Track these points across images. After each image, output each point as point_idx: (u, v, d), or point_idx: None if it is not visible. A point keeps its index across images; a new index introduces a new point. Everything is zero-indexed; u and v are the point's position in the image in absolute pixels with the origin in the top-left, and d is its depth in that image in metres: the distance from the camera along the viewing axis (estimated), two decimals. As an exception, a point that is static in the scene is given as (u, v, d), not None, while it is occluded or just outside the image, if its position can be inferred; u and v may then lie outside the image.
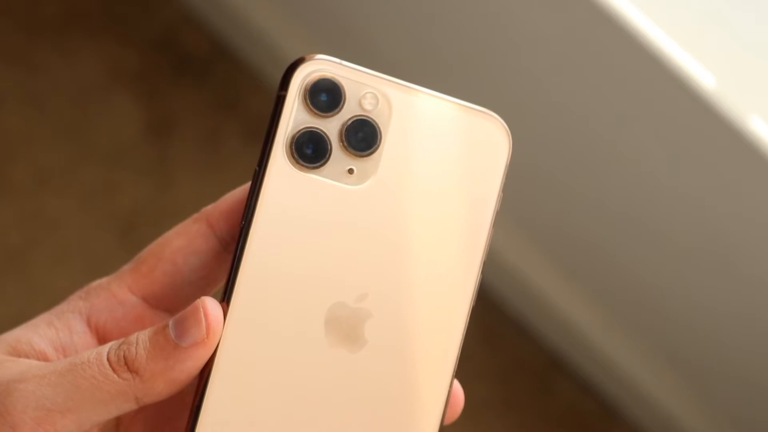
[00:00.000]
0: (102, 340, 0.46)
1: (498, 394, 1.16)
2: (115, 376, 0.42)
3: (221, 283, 0.46)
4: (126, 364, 0.42)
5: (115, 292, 0.46)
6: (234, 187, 0.46)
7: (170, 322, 0.42)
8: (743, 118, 0.86)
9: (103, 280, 0.47)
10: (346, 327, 0.44)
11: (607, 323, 1.12)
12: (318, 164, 0.44)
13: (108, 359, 0.42)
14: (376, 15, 1.10)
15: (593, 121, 0.98)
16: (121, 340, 0.43)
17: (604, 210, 1.04)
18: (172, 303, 0.46)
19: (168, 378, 0.42)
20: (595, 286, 1.12)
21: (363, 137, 0.44)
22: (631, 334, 1.11)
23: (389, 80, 0.44)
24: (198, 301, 0.42)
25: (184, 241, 0.46)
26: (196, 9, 1.25)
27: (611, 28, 0.88)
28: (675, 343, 1.09)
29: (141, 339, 0.43)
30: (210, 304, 0.42)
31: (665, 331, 1.08)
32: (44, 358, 0.45)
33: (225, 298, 0.43)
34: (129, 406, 0.43)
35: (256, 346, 0.43)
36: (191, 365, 0.42)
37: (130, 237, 1.17)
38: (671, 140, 0.93)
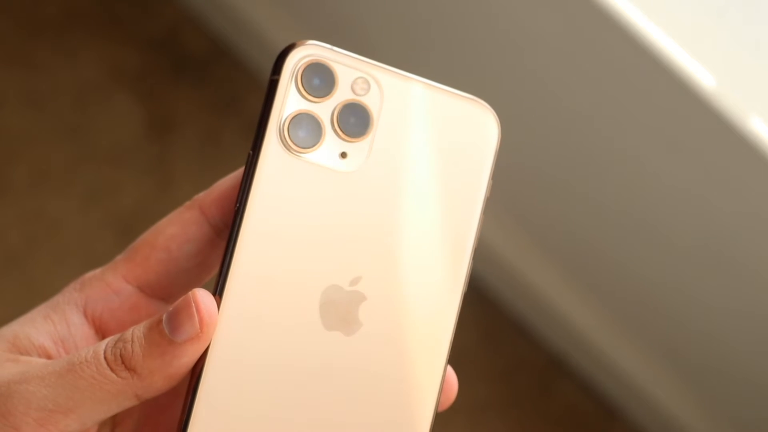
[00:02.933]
0: (99, 330, 0.46)
1: (498, 394, 1.16)
2: (114, 375, 0.42)
3: (216, 270, 0.46)
4: (123, 362, 0.42)
5: (110, 282, 0.46)
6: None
7: (164, 317, 0.42)
8: (743, 118, 0.86)
9: (98, 271, 0.47)
10: (341, 310, 0.44)
11: (607, 323, 1.12)
12: (311, 147, 0.44)
13: (105, 358, 0.42)
14: (375, 14, 1.11)
15: (593, 121, 0.98)
16: (117, 336, 0.43)
17: (604, 209, 1.04)
18: (168, 291, 0.46)
19: (166, 374, 0.42)
20: (595, 286, 1.12)
21: (355, 121, 0.44)
22: (631, 334, 1.11)
23: (380, 66, 0.45)
24: (189, 294, 0.42)
25: (177, 229, 0.46)
26: (196, 9, 1.25)
27: (611, 28, 0.88)
28: (675, 343, 1.09)
29: (136, 336, 0.42)
30: (202, 297, 0.42)
31: (665, 330, 1.08)
32: (44, 353, 0.45)
33: (220, 283, 0.43)
34: (130, 402, 0.43)
35: (251, 330, 0.43)
36: (188, 360, 0.42)
37: (130, 237, 1.16)
38: (671, 140, 0.93)
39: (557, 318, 1.14)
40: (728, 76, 0.88)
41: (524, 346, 1.17)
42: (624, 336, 1.11)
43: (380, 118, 0.44)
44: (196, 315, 0.42)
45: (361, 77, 0.44)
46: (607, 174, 1.01)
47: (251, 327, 0.43)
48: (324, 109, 0.44)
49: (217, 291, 0.43)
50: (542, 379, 1.17)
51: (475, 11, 0.99)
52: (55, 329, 0.46)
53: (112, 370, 0.42)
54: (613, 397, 1.16)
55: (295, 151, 0.44)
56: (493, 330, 1.17)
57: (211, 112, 1.22)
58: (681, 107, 0.89)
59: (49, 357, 0.45)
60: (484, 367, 1.16)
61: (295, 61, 0.44)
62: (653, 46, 0.87)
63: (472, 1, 0.98)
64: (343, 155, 0.44)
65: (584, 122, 0.99)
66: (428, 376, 0.44)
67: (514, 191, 1.09)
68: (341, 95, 0.44)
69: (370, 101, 0.44)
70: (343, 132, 0.44)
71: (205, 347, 0.42)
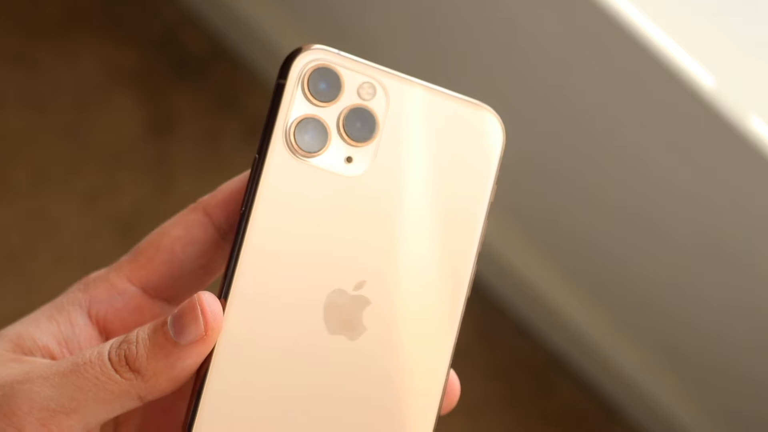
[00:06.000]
0: (103, 330, 0.46)
1: (497, 393, 1.16)
2: (118, 376, 0.42)
3: (220, 272, 0.46)
4: (127, 363, 0.42)
5: (114, 283, 0.46)
6: (234, 185, 0.47)
7: (169, 319, 0.42)
8: (743, 118, 0.86)
9: (102, 272, 0.47)
10: (345, 314, 0.44)
11: (606, 323, 1.12)
12: (317, 152, 0.44)
13: (109, 359, 0.42)
14: (375, 14, 1.11)
15: (593, 122, 0.98)
16: (122, 337, 0.43)
17: (604, 210, 1.04)
18: (171, 293, 0.47)
19: (170, 376, 0.42)
20: (595, 286, 1.12)
21: (361, 126, 0.44)
22: (631, 334, 1.11)
23: (386, 71, 0.45)
24: (194, 296, 0.42)
25: (182, 231, 0.46)
26: (196, 9, 1.25)
27: (611, 28, 0.88)
28: (675, 343, 1.09)
29: (141, 337, 0.42)
30: (207, 300, 0.42)
31: (665, 330, 1.08)
32: (48, 353, 0.45)
33: (225, 286, 0.43)
34: (133, 404, 0.43)
35: (256, 333, 0.43)
36: (192, 363, 0.42)
37: (130, 237, 1.17)
38: (671, 140, 0.93)
39: (557, 317, 1.14)
40: (728, 76, 0.88)
41: (524, 346, 1.17)
42: (623, 336, 1.11)
43: (386, 123, 0.45)
44: (201, 317, 0.42)
45: (367, 82, 0.44)
46: (606, 174, 1.01)
47: (256, 330, 0.43)
48: (330, 114, 0.44)
49: (222, 294, 0.43)
50: (541, 379, 1.17)
51: (475, 12, 0.99)
52: (59, 330, 0.46)
53: (116, 371, 0.42)
54: (613, 397, 1.16)
55: (301, 155, 0.44)
56: (492, 329, 1.17)
57: (211, 112, 1.22)
58: (681, 107, 0.89)
59: (52, 357, 0.45)
60: (482, 366, 1.16)
61: (301, 66, 0.44)
62: (653, 46, 0.87)
63: (473, 3, 0.98)
64: (349, 160, 0.44)
65: (584, 122, 0.99)
66: (431, 380, 0.44)
67: (514, 190, 1.09)
68: (347, 100, 0.44)
69: (375, 106, 0.44)
70: (348, 136, 0.44)
71: (210, 350, 0.42)
